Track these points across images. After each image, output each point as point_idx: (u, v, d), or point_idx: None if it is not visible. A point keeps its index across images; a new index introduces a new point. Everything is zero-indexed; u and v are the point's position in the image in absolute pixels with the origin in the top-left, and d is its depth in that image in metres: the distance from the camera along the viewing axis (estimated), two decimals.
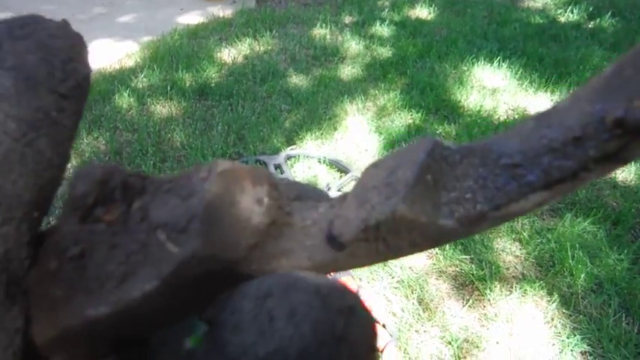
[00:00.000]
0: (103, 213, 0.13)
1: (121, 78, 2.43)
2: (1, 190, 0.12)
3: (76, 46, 0.14)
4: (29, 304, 0.13)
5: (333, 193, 1.72)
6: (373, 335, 0.13)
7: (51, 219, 0.92)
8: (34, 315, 0.13)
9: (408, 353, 1.25)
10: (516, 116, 2.23)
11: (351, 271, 1.34)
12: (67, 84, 0.13)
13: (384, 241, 0.15)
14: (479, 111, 2.24)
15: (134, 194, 0.14)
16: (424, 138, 0.15)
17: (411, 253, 0.15)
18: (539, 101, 2.36)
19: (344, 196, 0.16)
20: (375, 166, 0.16)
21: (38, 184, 0.13)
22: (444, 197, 0.15)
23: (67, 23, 0.14)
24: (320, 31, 3.04)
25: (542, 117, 0.15)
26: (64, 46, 0.14)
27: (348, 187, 1.78)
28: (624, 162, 0.14)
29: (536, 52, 2.74)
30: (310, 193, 0.17)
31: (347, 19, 3.27)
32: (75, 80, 0.14)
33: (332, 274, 0.15)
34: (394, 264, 1.47)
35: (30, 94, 0.13)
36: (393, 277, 1.44)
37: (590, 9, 3.35)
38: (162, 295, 0.13)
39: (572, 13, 3.31)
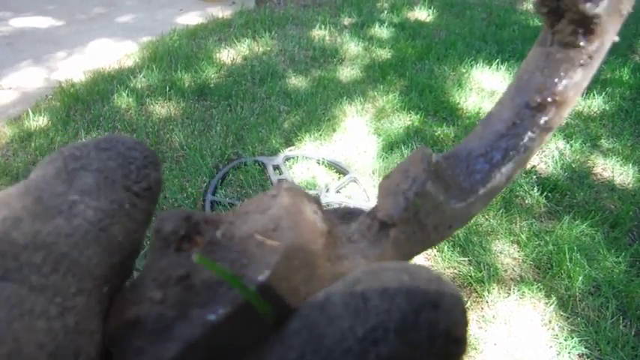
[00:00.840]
0: (189, 247, 0.15)
1: (120, 78, 2.43)
2: (76, 263, 0.13)
3: (149, 157, 0.17)
4: None
5: (332, 195, 1.72)
6: (462, 300, 0.13)
7: None
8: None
9: None
10: None
11: None
12: (140, 185, 0.16)
13: (418, 221, 0.18)
14: (477, 113, 2.24)
15: (215, 225, 0.16)
16: (417, 149, 0.20)
17: (436, 239, 0.19)
18: None
19: (372, 208, 0.19)
20: (386, 177, 0.20)
21: (109, 263, 0.14)
22: (447, 186, 0.19)
23: (142, 143, 0.17)
24: (319, 33, 3.04)
25: (485, 121, 0.21)
26: (139, 156, 0.16)
27: (347, 189, 1.79)
28: (550, 129, 0.20)
29: None
30: (350, 212, 0.20)
31: (346, 21, 3.28)
32: (147, 183, 0.16)
33: None
34: None
35: (108, 190, 0.15)
36: None
37: None
38: (272, 289, 0.14)
39: None
